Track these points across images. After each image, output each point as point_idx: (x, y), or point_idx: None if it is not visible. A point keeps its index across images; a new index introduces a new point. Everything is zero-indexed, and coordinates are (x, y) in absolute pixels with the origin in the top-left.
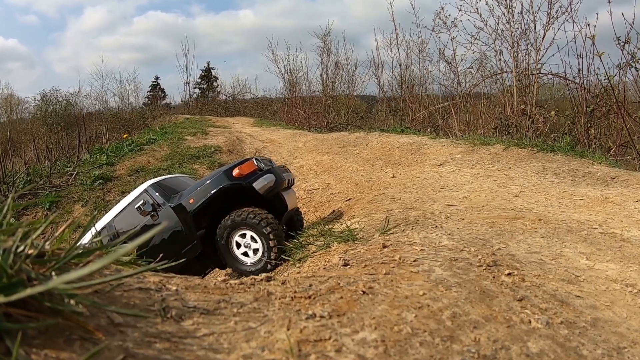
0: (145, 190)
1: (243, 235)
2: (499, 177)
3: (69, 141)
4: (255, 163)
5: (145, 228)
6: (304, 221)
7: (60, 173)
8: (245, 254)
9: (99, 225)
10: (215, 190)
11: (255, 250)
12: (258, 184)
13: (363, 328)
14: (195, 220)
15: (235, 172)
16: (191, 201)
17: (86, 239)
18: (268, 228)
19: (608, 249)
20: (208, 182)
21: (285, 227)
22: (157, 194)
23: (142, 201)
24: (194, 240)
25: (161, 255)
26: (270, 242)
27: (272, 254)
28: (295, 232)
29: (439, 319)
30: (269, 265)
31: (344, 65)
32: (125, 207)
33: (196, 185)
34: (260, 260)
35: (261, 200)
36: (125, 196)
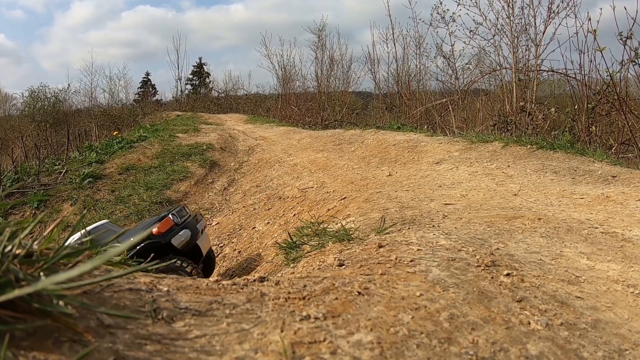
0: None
1: None
2: (497, 175)
3: (57, 138)
4: (172, 219)
5: None
6: (215, 261)
7: (49, 171)
8: None
9: None
10: (138, 248)
11: None
12: (175, 240)
13: (359, 330)
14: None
15: (154, 230)
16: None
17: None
18: (188, 270)
19: (609, 249)
20: (131, 239)
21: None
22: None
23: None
24: None
25: (152, 255)
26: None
27: None
28: (209, 273)
29: (436, 321)
30: None
31: (339, 60)
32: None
33: (125, 239)
34: None
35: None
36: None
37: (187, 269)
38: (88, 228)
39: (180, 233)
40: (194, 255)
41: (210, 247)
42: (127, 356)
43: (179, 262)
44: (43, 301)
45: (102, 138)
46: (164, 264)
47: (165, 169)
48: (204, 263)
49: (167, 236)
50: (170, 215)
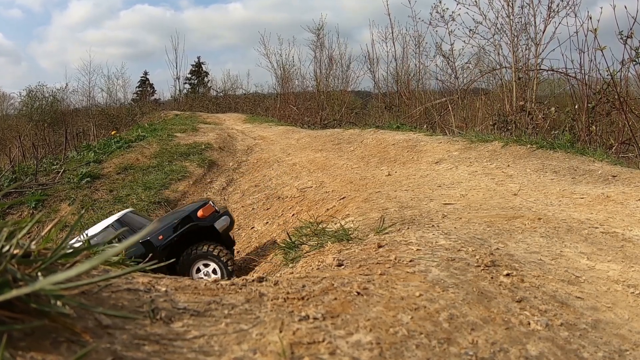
0: (111, 225)
1: (207, 265)
2: (497, 175)
3: (55, 138)
4: (212, 205)
5: None
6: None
7: (47, 171)
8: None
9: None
10: (183, 229)
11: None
12: (218, 224)
13: (358, 330)
14: (162, 254)
15: (199, 213)
16: (160, 237)
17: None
18: (225, 258)
19: (609, 249)
20: (175, 222)
21: None
22: (122, 226)
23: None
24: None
25: (150, 255)
26: (229, 272)
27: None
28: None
29: (436, 321)
30: None
31: (338, 60)
32: (103, 229)
33: (165, 223)
34: None
35: (216, 236)
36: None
37: (222, 258)
38: (116, 216)
39: (222, 218)
40: (228, 245)
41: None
42: (125, 356)
43: (216, 250)
44: (41, 301)
45: (100, 138)
46: (203, 248)
47: (163, 169)
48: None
49: (209, 220)
50: (210, 202)
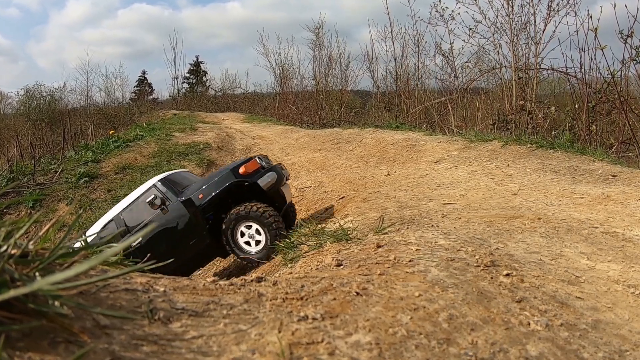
0: (154, 186)
1: (248, 227)
2: (497, 174)
3: (53, 137)
4: (258, 161)
5: (163, 225)
6: (297, 215)
7: (45, 170)
8: (248, 244)
9: (105, 218)
10: (223, 187)
11: (258, 242)
12: (262, 181)
13: (357, 330)
14: (203, 213)
15: (241, 170)
16: (200, 196)
17: (88, 233)
18: (270, 219)
19: (609, 249)
20: (216, 179)
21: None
22: (165, 189)
23: (152, 196)
24: (202, 232)
25: (167, 248)
26: (273, 234)
27: (274, 244)
28: (289, 226)
29: (435, 321)
30: (271, 254)
31: (337, 59)
32: (133, 201)
33: (204, 181)
34: (260, 251)
35: (262, 195)
36: (116, 197)
37: (268, 219)
38: (171, 172)
39: (267, 174)
40: (277, 203)
41: (292, 201)
42: (123, 357)
43: (261, 208)
44: (39, 301)
45: (98, 137)
46: (246, 209)
47: (162, 168)
48: (283, 216)
49: (253, 177)
50: (256, 158)
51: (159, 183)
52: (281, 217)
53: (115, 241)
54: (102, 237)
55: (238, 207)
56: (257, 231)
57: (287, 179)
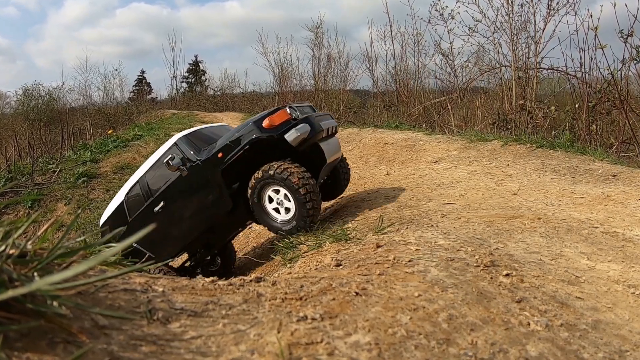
0: (175, 144)
1: (277, 191)
2: (496, 174)
3: (51, 137)
4: (289, 111)
5: (176, 184)
6: (350, 172)
7: (43, 170)
8: (277, 210)
9: (133, 179)
10: (244, 144)
11: (287, 210)
12: (290, 136)
13: (356, 330)
14: (224, 175)
15: (265, 123)
16: (220, 155)
17: (110, 208)
18: (298, 183)
19: (610, 249)
20: (237, 134)
21: (328, 179)
22: (187, 147)
23: (170, 155)
24: (223, 197)
25: (190, 214)
26: (301, 200)
27: (305, 213)
28: (335, 192)
29: (435, 321)
30: (298, 229)
31: (336, 58)
32: (155, 162)
33: (226, 137)
34: (290, 220)
35: (298, 152)
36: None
37: (294, 182)
38: (203, 127)
39: (297, 127)
40: (314, 161)
41: (342, 157)
42: (121, 357)
43: (286, 169)
44: (37, 302)
45: (96, 137)
46: (271, 170)
47: None
48: (330, 178)
49: (280, 131)
50: (287, 108)
51: (181, 140)
52: (321, 180)
53: (115, 240)
54: (130, 199)
55: (263, 168)
56: (286, 197)
57: (333, 132)
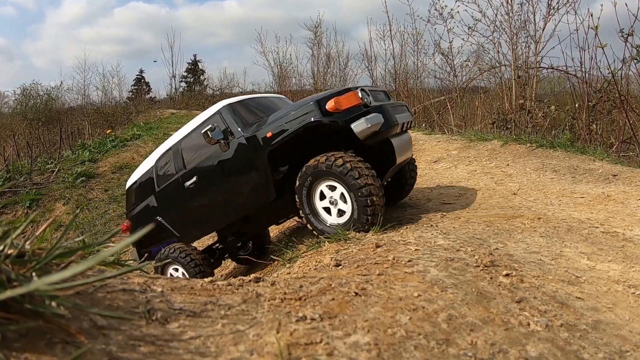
0: (219, 112)
1: (332, 188)
2: (496, 174)
3: (50, 137)
4: (360, 95)
5: (213, 160)
6: (417, 174)
7: (41, 170)
8: (327, 210)
9: (167, 144)
10: (300, 126)
11: (341, 212)
12: (358, 126)
13: (355, 331)
14: (271, 158)
15: (329, 104)
16: (269, 135)
17: (139, 172)
18: (360, 181)
19: (610, 249)
20: (293, 113)
21: (389, 180)
22: (231, 118)
23: (210, 125)
24: (267, 184)
25: (225, 198)
26: (362, 203)
27: (363, 220)
28: (397, 197)
29: (435, 322)
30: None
31: (336, 58)
32: (193, 130)
33: (278, 115)
34: (345, 224)
35: (362, 145)
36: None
37: (357, 180)
38: (253, 96)
39: (368, 116)
40: (381, 158)
41: (413, 162)
42: (120, 357)
43: (349, 163)
44: (35, 302)
45: (95, 136)
46: (328, 161)
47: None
48: (395, 180)
49: (346, 117)
50: (358, 91)
51: (226, 110)
52: (384, 182)
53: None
54: (160, 167)
55: (319, 158)
56: (342, 197)
57: (407, 127)
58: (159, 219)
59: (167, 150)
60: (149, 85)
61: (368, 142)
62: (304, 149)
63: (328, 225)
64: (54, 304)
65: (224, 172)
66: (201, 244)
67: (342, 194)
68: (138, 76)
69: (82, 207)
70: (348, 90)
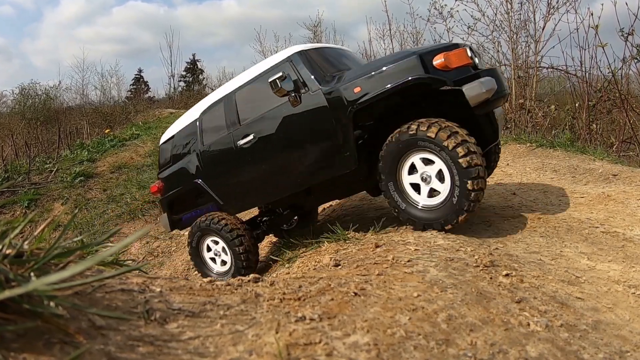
0: (290, 60)
1: (427, 161)
2: (496, 173)
3: (48, 136)
4: (469, 54)
5: (279, 116)
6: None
7: (40, 170)
8: (416, 189)
9: (215, 95)
10: (399, 82)
11: (433, 192)
12: (471, 89)
13: (355, 331)
14: (356, 120)
15: (437, 60)
16: (357, 90)
17: (178, 125)
18: (467, 158)
19: (610, 249)
20: (390, 67)
21: None
22: (306, 67)
23: (281, 74)
24: (348, 150)
25: (288, 163)
26: (465, 186)
27: (464, 205)
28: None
29: (434, 322)
30: (448, 225)
31: None
32: (254, 78)
33: (368, 68)
34: (433, 210)
35: (464, 114)
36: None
37: (462, 157)
38: (323, 45)
39: (482, 79)
40: (480, 135)
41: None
42: (119, 358)
43: (447, 128)
44: (34, 302)
45: (93, 136)
46: (432, 128)
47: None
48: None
49: (457, 77)
50: (467, 48)
51: (299, 57)
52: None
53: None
54: (207, 121)
55: (413, 124)
56: (440, 175)
57: (505, 99)
58: (199, 181)
59: (218, 102)
60: (148, 85)
61: (478, 110)
62: (394, 112)
63: (419, 207)
64: (52, 304)
65: (291, 132)
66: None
67: (440, 170)
68: (137, 76)
69: (81, 207)
70: (456, 45)
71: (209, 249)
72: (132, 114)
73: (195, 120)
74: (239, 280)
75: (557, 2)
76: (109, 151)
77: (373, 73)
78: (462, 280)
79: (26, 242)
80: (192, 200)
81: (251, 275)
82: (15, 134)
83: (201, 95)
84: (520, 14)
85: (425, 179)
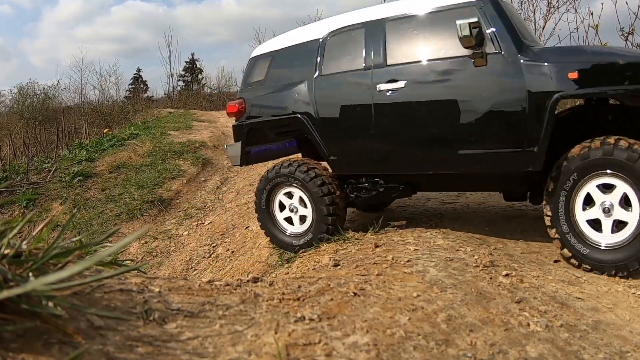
0: (479, 6)
1: (608, 187)
2: None
3: (47, 136)
4: None
5: (448, 68)
6: None
7: (38, 169)
8: (594, 225)
9: (353, 17)
10: None
11: (620, 225)
12: None
13: (354, 331)
14: (552, 112)
15: None
16: (572, 76)
17: (287, 40)
18: None
19: None
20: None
21: None
22: (501, 23)
23: (474, 20)
24: (536, 146)
25: (449, 134)
26: None
27: None
28: None
29: (434, 322)
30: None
31: None
32: (426, 13)
33: (595, 50)
34: (624, 243)
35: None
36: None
37: None
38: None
39: None
40: None
41: None
42: (117, 358)
43: None
44: (32, 302)
45: (92, 136)
46: None
47: (156, 167)
48: None
49: None
50: None
51: (491, 5)
52: None
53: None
54: (335, 45)
55: (609, 138)
56: (625, 201)
57: None
58: (303, 117)
59: (357, 26)
60: (147, 84)
61: None
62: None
63: (598, 245)
64: (51, 304)
65: (465, 98)
66: None
67: (625, 196)
68: (135, 75)
69: (79, 207)
70: None
71: (282, 207)
72: (131, 114)
73: (317, 40)
74: (238, 280)
75: (557, 2)
76: (107, 151)
77: (604, 59)
78: (462, 280)
79: (25, 242)
80: (274, 134)
81: (250, 276)
82: (13, 133)
83: (200, 94)
84: (520, 13)
85: (606, 210)
